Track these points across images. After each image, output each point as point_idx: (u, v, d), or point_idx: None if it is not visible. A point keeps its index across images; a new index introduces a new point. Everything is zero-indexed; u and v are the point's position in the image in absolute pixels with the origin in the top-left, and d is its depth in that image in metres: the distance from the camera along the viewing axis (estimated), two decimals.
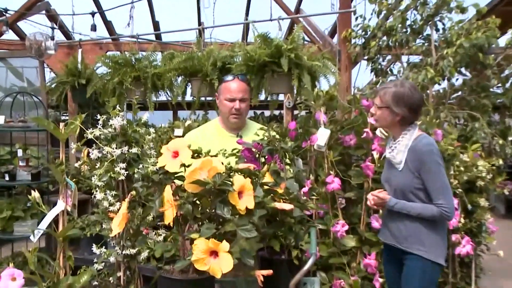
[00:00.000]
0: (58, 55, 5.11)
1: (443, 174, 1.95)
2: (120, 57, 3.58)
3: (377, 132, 2.78)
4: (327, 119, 3.05)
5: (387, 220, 2.15)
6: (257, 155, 1.61)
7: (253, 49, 2.86)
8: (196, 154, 1.48)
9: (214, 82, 3.00)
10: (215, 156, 1.51)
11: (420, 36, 3.79)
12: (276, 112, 8.29)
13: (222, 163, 1.37)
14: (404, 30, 3.73)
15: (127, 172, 1.90)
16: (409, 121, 2.06)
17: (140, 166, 1.84)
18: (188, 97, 3.45)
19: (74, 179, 1.93)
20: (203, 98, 3.42)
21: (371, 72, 4.06)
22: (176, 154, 1.41)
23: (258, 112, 9.03)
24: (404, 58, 4.08)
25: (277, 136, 1.61)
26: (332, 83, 3.09)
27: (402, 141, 2.06)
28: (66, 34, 5.92)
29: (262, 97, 3.02)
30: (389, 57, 4.13)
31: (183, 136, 3.21)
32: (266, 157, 1.60)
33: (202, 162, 1.32)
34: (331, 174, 2.86)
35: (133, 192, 1.57)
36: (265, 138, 1.63)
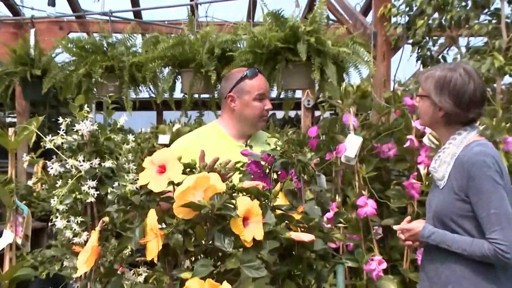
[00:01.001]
0: (2, 37, 5.05)
1: (502, 197, 1.80)
2: (88, 40, 3.63)
3: (425, 139, 2.79)
4: (359, 123, 3.08)
5: (424, 259, 2.04)
6: (267, 170, 1.63)
7: (261, 31, 2.91)
8: (188, 169, 1.51)
9: (211, 74, 3.05)
10: (213, 170, 1.55)
11: (486, 11, 3.65)
12: (292, 114, 8.33)
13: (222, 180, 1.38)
14: (463, 3, 3.63)
15: (98, 192, 1.94)
16: (457, 120, 1.94)
17: (115, 184, 1.90)
18: (178, 94, 3.51)
19: (24, 201, 1.96)
20: (196, 96, 3.47)
21: (417, 60, 4.05)
22: (162, 169, 1.43)
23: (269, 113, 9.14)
24: (463, 42, 4.02)
25: (293, 146, 1.65)
26: (365, 76, 3.13)
27: (448, 149, 1.95)
28: (12, 8, 5.61)
29: (273, 94, 3.04)
30: (441, 40, 4.10)
31: (170, 144, 3.24)
32: (279, 172, 1.62)
33: (197, 179, 1.33)
34: (363, 195, 2.88)
35: (106, 219, 1.57)
36: (278, 148, 1.65)
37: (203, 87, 3.23)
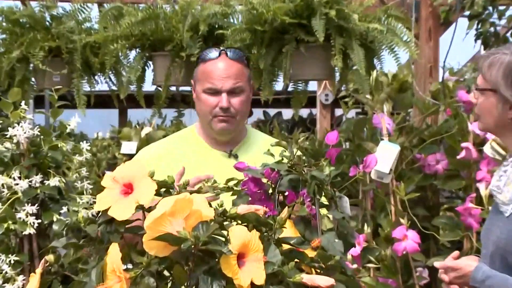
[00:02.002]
0: None
1: None
2: (23, 12, 3.61)
3: (487, 149, 2.78)
4: (395, 126, 3.11)
5: None
6: (270, 191, 1.63)
7: (263, 2, 2.91)
8: (164, 189, 1.51)
9: (195, 59, 2.99)
10: (198, 191, 1.53)
11: None
12: (304, 113, 8.30)
13: (210, 204, 1.39)
14: None
15: (39, 221, 1.94)
16: None
17: (63, 209, 1.91)
18: (148, 86, 3.51)
19: None
20: (174, 88, 3.52)
21: (477, 40, 4.04)
22: (128, 188, 1.44)
23: (272, 112, 9.02)
24: None
25: (306, 157, 1.65)
26: (404, 62, 3.17)
27: None
28: None
29: (279, 86, 3.11)
30: (510, 11, 4.08)
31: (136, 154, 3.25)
32: (286, 193, 1.62)
33: (176, 202, 1.33)
34: (402, 224, 2.89)
35: (50, 257, 1.57)
36: (285, 161, 1.65)
37: (183, 77, 3.23)
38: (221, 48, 2.32)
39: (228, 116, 2.26)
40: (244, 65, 2.32)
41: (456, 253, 2.10)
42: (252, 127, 2.45)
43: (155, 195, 1.44)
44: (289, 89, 3.19)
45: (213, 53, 2.29)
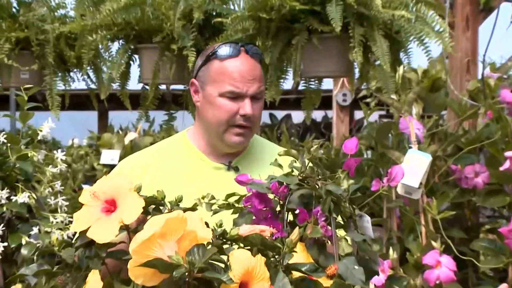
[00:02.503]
0: None
1: None
2: None
3: None
4: (425, 131, 3.09)
5: None
6: (277, 208, 1.63)
7: None
8: (153, 206, 1.52)
9: (188, 53, 3.04)
10: (192, 208, 1.53)
11: None
12: (317, 116, 8.28)
13: (207, 224, 1.40)
14: None
15: (5, 244, 1.92)
16: None
17: (34, 230, 1.91)
18: (134, 85, 3.50)
19: None
20: (164, 87, 3.48)
21: None
22: (111, 206, 1.45)
23: (280, 114, 8.93)
24: None
25: (320, 168, 1.67)
26: (437, 56, 3.18)
27: None
28: None
29: (288, 85, 3.07)
30: None
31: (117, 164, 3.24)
32: (297, 211, 1.62)
33: (167, 221, 1.33)
34: (434, 249, 2.87)
35: (18, 287, 1.60)
36: (295, 172, 1.65)
37: (174, 74, 3.22)
38: (240, 43, 2.28)
39: (247, 127, 2.24)
40: (260, 64, 2.31)
41: (503, 286, 2.08)
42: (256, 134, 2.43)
43: (143, 213, 1.43)
44: (300, 87, 3.18)
45: (232, 49, 2.26)
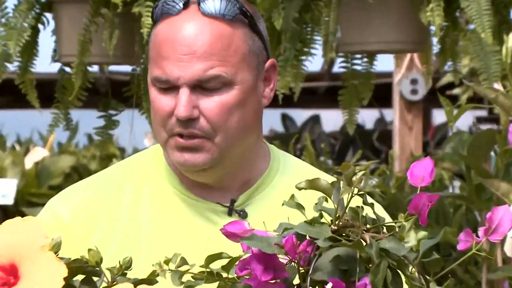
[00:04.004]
0: None
1: None
2: None
3: None
4: None
5: None
6: (295, 279, 1.35)
7: None
8: (82, 276, 1.32)
9: (141, 11, 2.58)
10: (149, 281, 1.31)
11: None
12: (367, 119, 7.64)
13: None
14: None
15: None
16: None
17: None
18: (43, 66, 2.98)
19: None
20: (95, 68, 3.12)
21: None
22: (9, 276, 1.23)
23: (299, 116, 8.37)
24: None
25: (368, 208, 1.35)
26: None
27: None
28: None
29: (316, 65, 2.74)
30: None
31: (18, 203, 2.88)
32: (329, 285, 1.34)
33: None
34: None
35: None
36: (325, 218, 1.35)
37: (117, 48, 2.75)
38: None
39: (193, 138, 1.71)
40: (238, 28, 1.75)
41: None
42: (280, 151, 1.92)
43: (66, 286, 1.21)
44: (336, 70, 2.82)
45: (175, 2, 1.74)
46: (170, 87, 1.67)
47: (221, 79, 1.68)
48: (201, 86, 1.66)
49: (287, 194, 1.62)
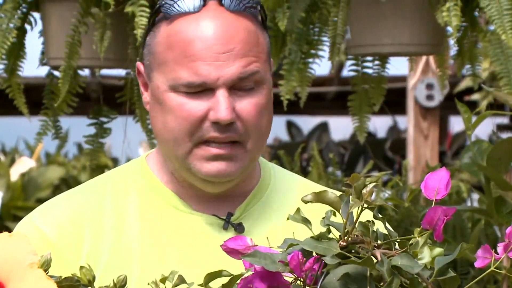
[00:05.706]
0: None
1: None
2: None
3: None
4: None
5: None
6: None
7: None
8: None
9: (134, 11, 2.52)
10: None
11: None
12: (379, 127, 7.58)
13: None
14: None
15: None
16: None
17: None
18: (31, 69, 2.94)
19: None
20: (86, 72, 3.05)
21: None
22: None
23: (306, 124, 8.34)
24: None
25: (388, 231, 1.31)
26: None
27: None
28: None
29: (323, 69, 2.70)
30: None
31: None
32: None
33: None
34: None
35: None
36: (333, 234, 1.31)
37: (109, 50, 2.72)
38: None
39: (230, 143, 1.63)
40: (256, 24, 1.69)
41: None
42: (268, 161, 1.83)
43: None
44: (345, 74, 2.80)
45: (188, 2, 1.64)
46: (201, 91, 1.60)
47: (258, 76, 1.63)
48: (235, 87, 1.61)
49: (283, 207, 1.71)
